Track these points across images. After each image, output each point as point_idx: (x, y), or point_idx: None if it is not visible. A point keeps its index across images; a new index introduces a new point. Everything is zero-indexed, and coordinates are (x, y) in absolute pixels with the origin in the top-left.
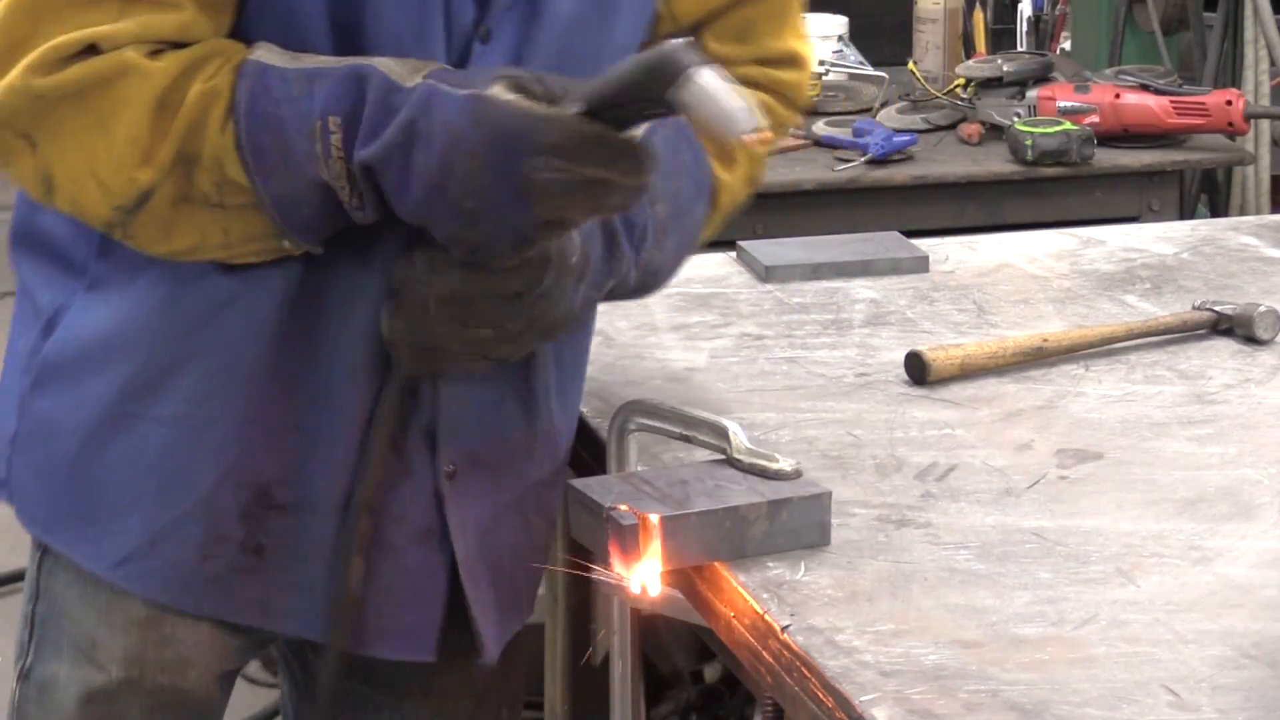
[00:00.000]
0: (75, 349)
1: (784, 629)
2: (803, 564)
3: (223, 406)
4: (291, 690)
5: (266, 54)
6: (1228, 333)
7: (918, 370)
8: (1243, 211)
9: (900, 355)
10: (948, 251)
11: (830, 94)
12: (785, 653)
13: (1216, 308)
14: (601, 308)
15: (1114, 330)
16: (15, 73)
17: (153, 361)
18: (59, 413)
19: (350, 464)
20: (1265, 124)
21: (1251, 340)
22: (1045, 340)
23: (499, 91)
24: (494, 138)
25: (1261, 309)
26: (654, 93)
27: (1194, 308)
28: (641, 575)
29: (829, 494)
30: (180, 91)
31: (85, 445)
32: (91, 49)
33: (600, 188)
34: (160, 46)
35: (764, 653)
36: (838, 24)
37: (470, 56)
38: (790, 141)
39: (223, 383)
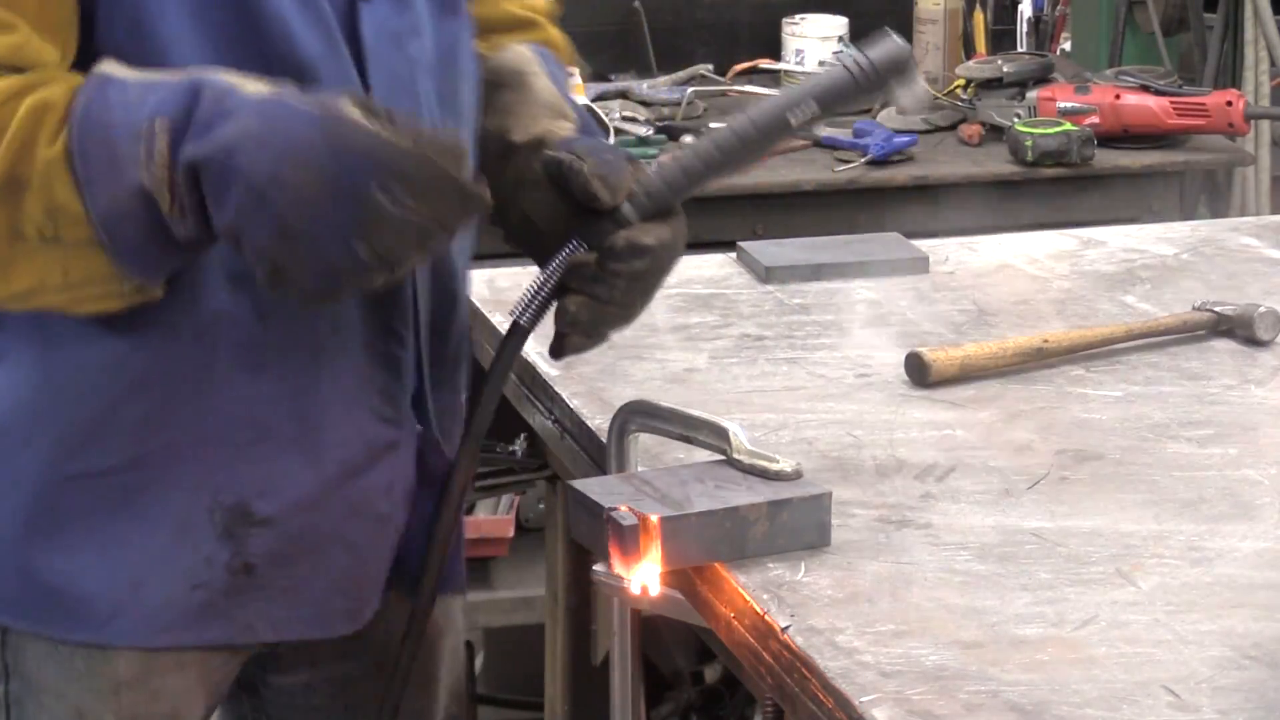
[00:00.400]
0: None
1: (784, 630)
2: (803, 564)
3: (170, 438)
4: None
5: (112, 67)
6: (1228, 334)
7: (918, 371)
8: (1243, 212)
9: (900, 356)
10: (948, 252)
11: None
12: (785, 653)
13: (1216, 309)
14: None
15: (1114, 331)
16: None
17: (78, 419)
18: None
19: (330, 449)
20: (1265, 124)
21: (1252, 341)
22: (1045, 341)
23: (352, 111)
24: (344, 156)
25: (1262, 310)
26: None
27: (1194, 309)
28: (641, 576)
29: (829, 494)
30: (10, 109)
31: (32, 522)
32: None
33: (434, 230)
34: None
35: (764, 653)
36: (838, 24)
37: (357, 15)
38: (790, 142)
39: (161, 418)
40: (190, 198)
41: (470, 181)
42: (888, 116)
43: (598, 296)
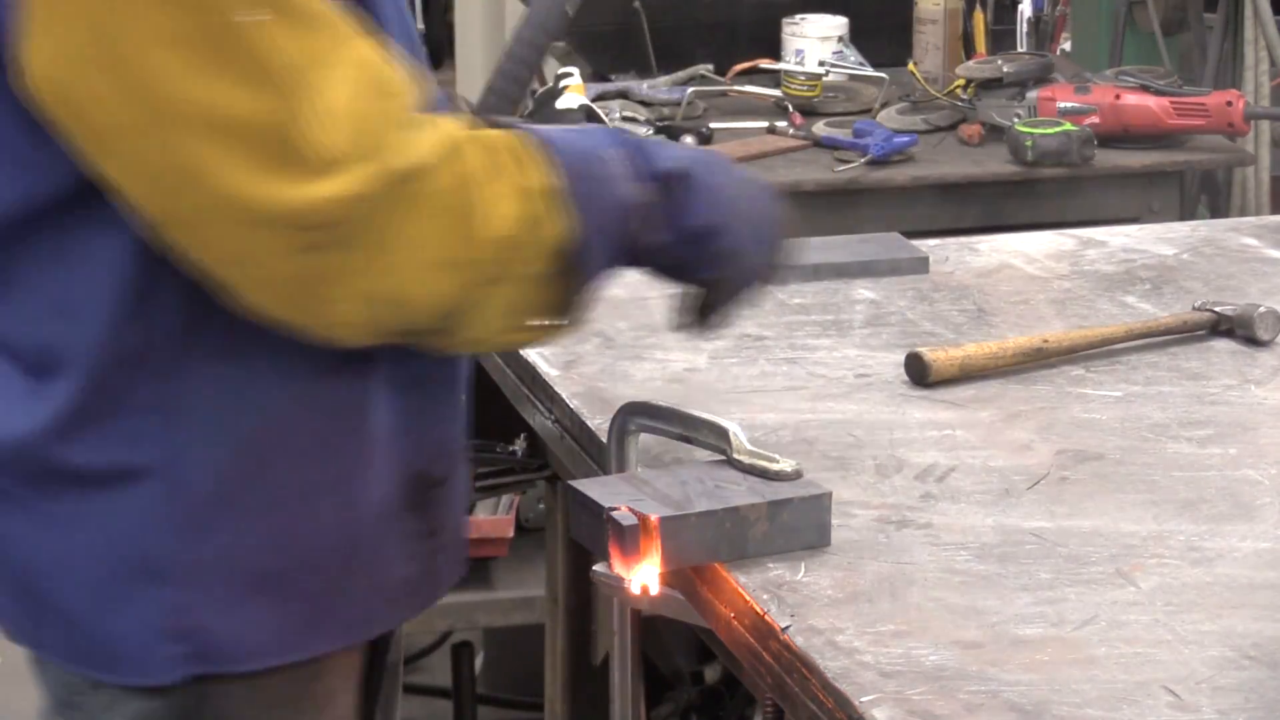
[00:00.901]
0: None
1: (784, 630)
2: (803, 565)
3: (364, 434)
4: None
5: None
6: (1228, 334)
7: (918, 371)
8: (1243, 212)
9: (900, 356)
10: (948, 252)
11: (830, 95)
12: (785, 653)
13: (1216, 308)
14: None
15: (1113, 331)
16: (372, 167)
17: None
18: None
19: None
20: (1265, 125)
21: (1252, 341)
22: (1045, 341)
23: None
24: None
25: (1261, 310)
26: None
27: (1194, 308)
28: (641, 576)
29: (829, 494)
30: (487, 142)
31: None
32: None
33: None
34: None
35: (764, 653)
36: (838, 25)
37: None
38: (790, 142)
39: (349, 423)
40: (664, 206)
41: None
42: (888, 116)
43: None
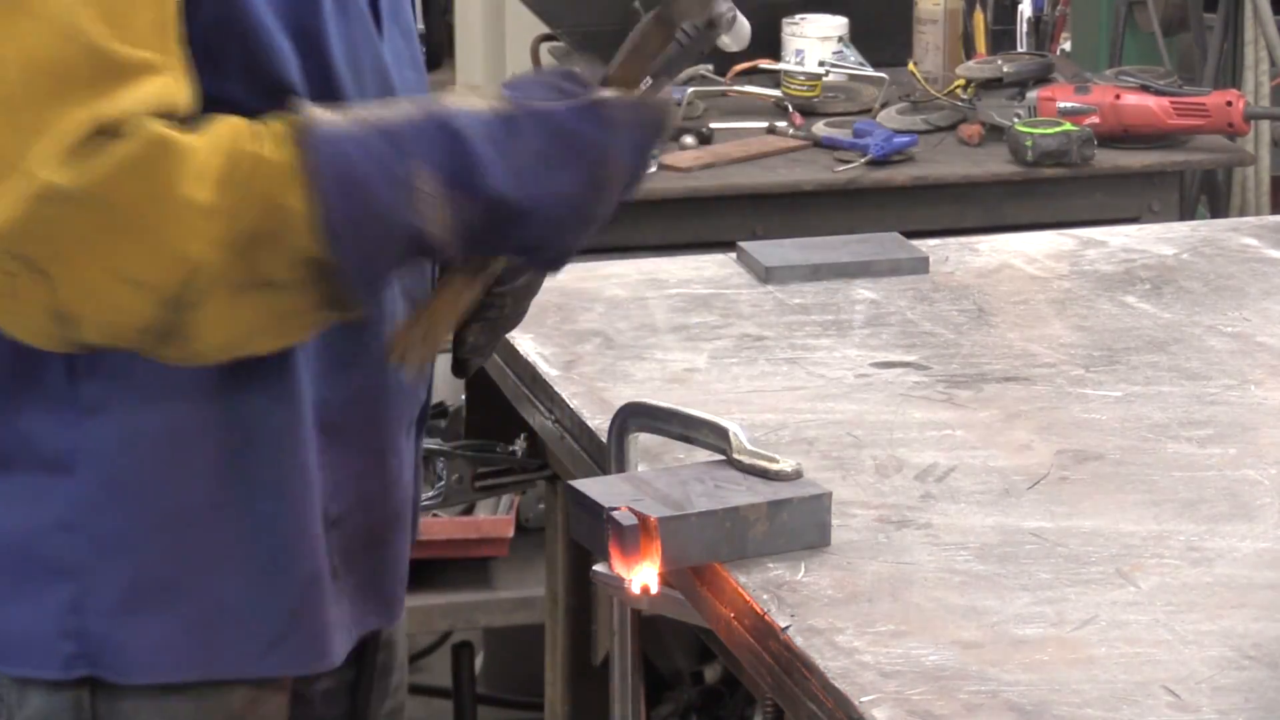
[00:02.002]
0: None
1: (784, 630)
2: (803, 565)
3: (279, 462)
4: None
5: (320, 112)
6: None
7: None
8: (1243, 212)
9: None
10: (948, 253)
11: (830, 95)
12: (785, 653)
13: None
14: (601, 308)
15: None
16: (24, 180)
17: (182, 466)
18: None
19: (388, 444)
20: (1265, 125)
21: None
22: None
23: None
24: (651, 125)
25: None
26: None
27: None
28: (641, 576)
29: (829, 494)
30: (237, 160)
31: (147, 574)
32: (105, 132)
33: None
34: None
35: (764, 653)
36: (838, 25)
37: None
38: (790, 142)
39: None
40: (460, 220)
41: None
42: (888, 117)
43: (491, 320)
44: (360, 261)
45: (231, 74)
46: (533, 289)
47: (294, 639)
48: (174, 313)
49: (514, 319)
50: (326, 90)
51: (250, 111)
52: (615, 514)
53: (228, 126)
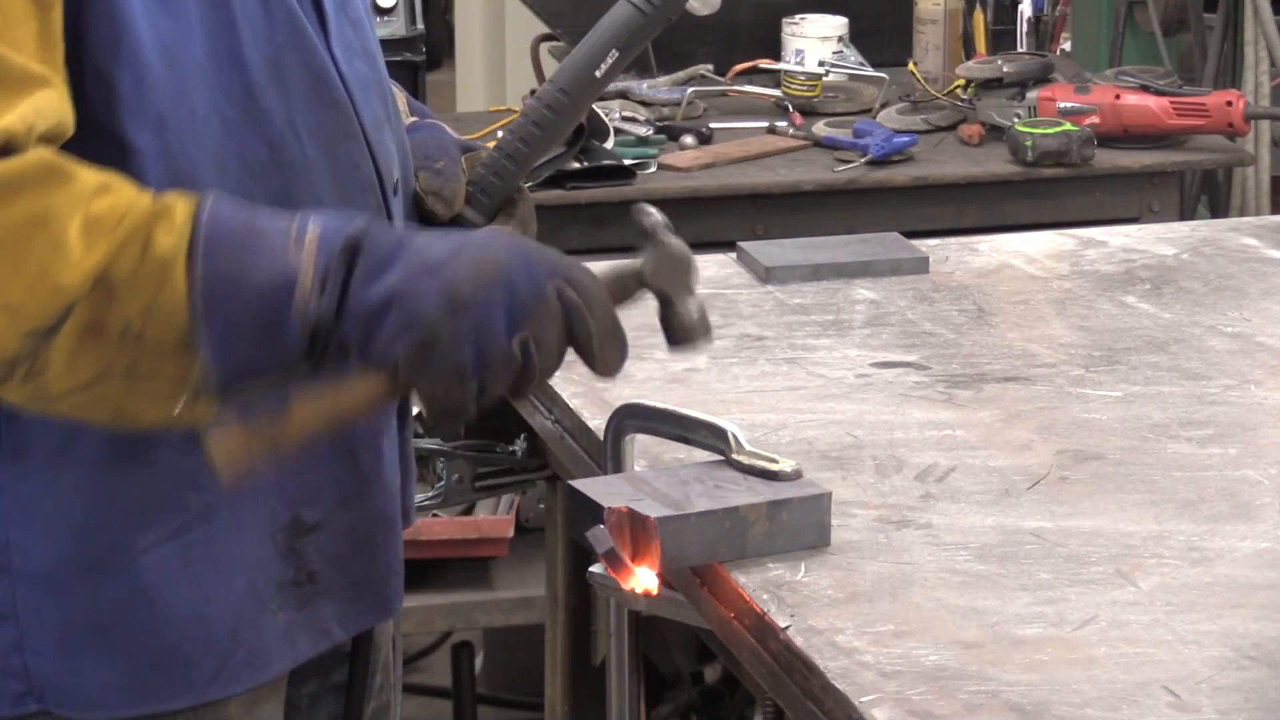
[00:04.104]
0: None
1: (784, 630)
2: (803, 565)
3: (215, 489)
4: None
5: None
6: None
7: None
8: (1243, 212)
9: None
10: (948, 252)
11: (830, 95)
12: (785, 653)
13: None
14: None
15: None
16: None
17: (138, 490)
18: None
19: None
20: (1265, 125)
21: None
22: None
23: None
24: (526, 251)
25: None
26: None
27: None
28: (640, 576)
29: (829, 494)
30: (127, 199)
31: (117, 603)
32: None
33: (582, 343)
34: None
35: (764, 653)
36: (838, 25)
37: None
38: (790, 142)
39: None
40: (338, 273)
41: (618, 318)
42: (888, 116)
43: None
44: (224, 301)
45: (121, 100)
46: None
47: (236, 658)
48: (37, 343)
49: None
50: (242, 99)
51: (137, 145)
52: (615, 514)
53: (128, 185)
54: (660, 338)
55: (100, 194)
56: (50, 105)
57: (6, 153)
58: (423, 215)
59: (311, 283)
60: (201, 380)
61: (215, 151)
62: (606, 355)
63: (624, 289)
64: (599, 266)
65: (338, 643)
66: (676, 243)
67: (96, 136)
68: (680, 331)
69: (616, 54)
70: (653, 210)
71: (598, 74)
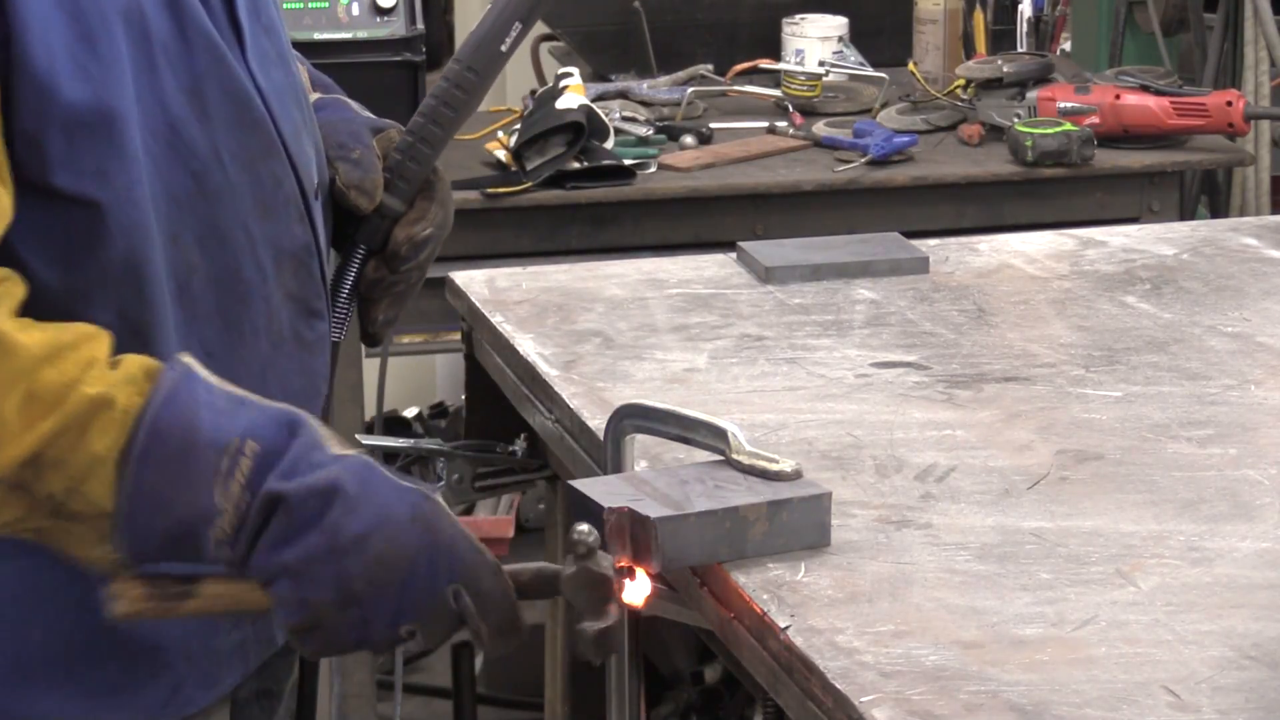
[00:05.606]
0: None
1: (784, 630)
2: (803, 565)
3: None
4: None
5: (193, 362)
6: None
7: None
8: (1243, 212)
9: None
10: (948, 253)
11: (830, 95)
12: (785, 653)
13: None
14: (601, 308)
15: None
16: None
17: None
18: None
19: None
20: (1265, 125)
21: None
22: None
23: (441, 501)
24: (433, 547)
25: None
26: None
27: None
28: (640, 576)
29: (829, 495)
30: (68, 382)
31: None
32: None
33: (474, 639)
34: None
35: (764, 653)
36: (838, 25)
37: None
38: (790, 142)
39: None
40: (253, 525)
41: (520, 615)
42: (888, 116)
43: (398, 294)
44: (149, 488)
45: (51, 161)
46: (435, 254)
47: (190, 681)
48: None
49: (420, 282)
50: (166, 135)
51: (84, 198)
52: (615, 514)
53: (82, 349)
54: (659, 338)
55: (47, 362)
56: (3, 206)
57: None
58: (344, 208)
59: (228, 527)
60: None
61: (149, 190)
62: (495, 650)
63: (540, 588)
64: (527, 567)
65: (282, 648)
66: (603, 567)
67: (43, 196)
68: (580, 645)
69: (519, 27)
70: (588, 530)
71: (503, 49)
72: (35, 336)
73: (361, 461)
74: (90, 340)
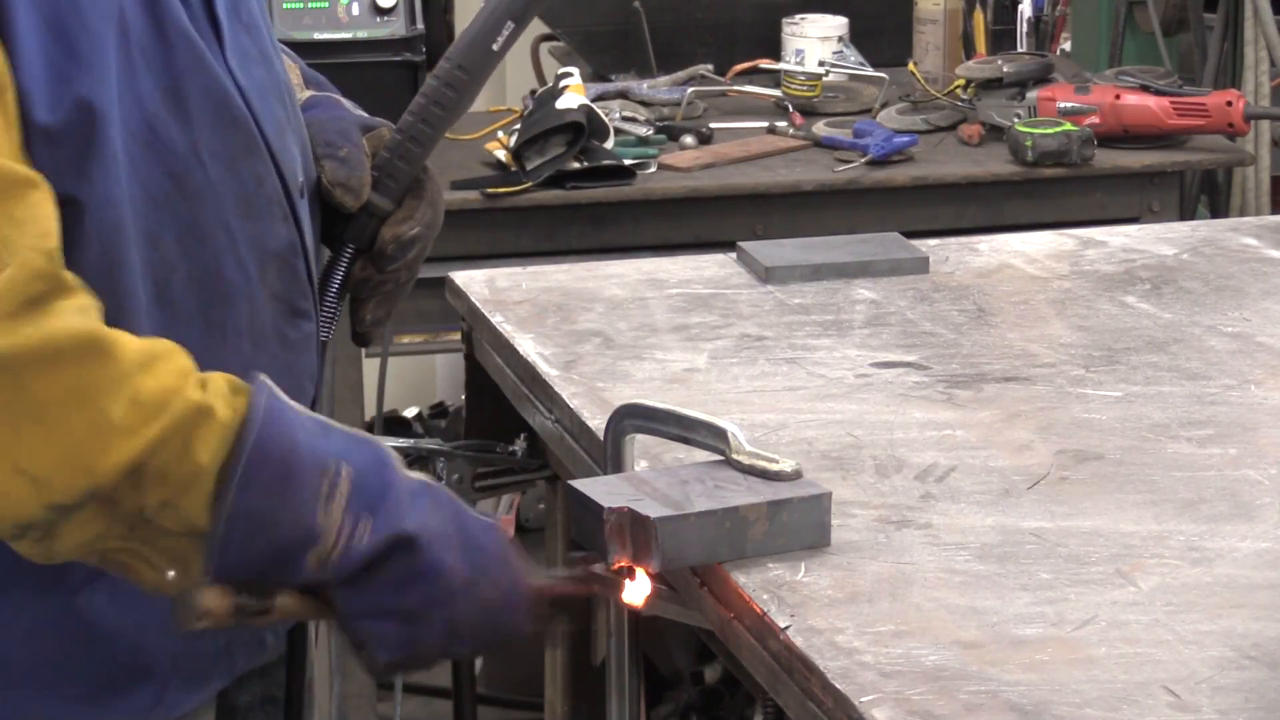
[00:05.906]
0: None
1: (784, 630)
2: (803, 565)
3: None
4: None
5: (270, 382)
6: None
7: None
8: (1243, 212)
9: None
10: (948, 253)
11: (830, 95)
12: (785, 653)
13: None
14: (601, 308)
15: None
16: None
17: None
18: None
19: None
20: (1265, 125)
21: None
22: None
23: (505, 531)
24: (516, 584)
25: None
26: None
27: None
28: (640, 576)
29: (829, 494)
30: (174, 391)
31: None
32: (47, 283)
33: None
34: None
35: (764, 653)
36: (838, 25)
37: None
38: (790, 142)
39: None
40: (366, 557)
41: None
42: (888, 117)
43: (387, 293)
44: (229, 568)
45: (34, 164)
46: (425, 253)
47: (175, 683)
48: (57, 516)
49: (410, 282)
50: (144, 134)
51: (70, 198)
52: (614, 514)
53: (174, 359)
54: (659, 338)
55: (145, 369)
56: (49, 212)
57: (42, 301)
58: (331, 206)
59: (327, 550)
60: (198, 571)
61: (126, 191)
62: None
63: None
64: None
65: (272, 651)
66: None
67: None
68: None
69: (512, 25)
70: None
71: (495, 47)
72: (132, 343)
73: (446, 493)
74: (178, 352)
